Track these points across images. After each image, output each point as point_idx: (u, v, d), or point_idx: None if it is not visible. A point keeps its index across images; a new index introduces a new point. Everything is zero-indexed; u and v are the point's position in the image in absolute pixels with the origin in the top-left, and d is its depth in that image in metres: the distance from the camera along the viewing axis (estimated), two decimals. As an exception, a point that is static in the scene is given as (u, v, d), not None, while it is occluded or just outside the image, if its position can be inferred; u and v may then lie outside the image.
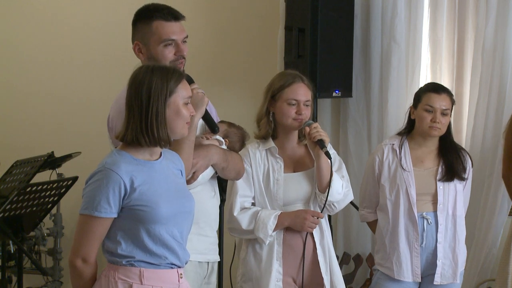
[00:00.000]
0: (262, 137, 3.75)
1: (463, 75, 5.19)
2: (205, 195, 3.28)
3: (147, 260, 2.72)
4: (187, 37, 3.23)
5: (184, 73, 2.87)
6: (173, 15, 3.20)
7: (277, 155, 3.73)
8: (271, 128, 3.74)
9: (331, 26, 5.11)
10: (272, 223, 3.63)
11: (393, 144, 4.18)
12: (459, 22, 5.18)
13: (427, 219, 4.08)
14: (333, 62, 5.13)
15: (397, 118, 5.17)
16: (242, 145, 3.54)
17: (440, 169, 4.12)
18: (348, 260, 5.32)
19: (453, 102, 4.14)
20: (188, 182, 3.11)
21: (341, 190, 3.72)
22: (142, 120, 2.70)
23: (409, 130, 4.20)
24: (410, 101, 5.15)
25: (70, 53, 6.33)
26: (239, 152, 3.56)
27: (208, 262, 3.33)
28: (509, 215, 4.98)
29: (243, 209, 3.67)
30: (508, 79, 4.91)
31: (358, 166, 5.36)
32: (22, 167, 5.28)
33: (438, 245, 4.07)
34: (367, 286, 5.27)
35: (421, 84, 5.19)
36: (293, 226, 3.67)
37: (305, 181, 3.72)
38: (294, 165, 3.76)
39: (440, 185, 4.10)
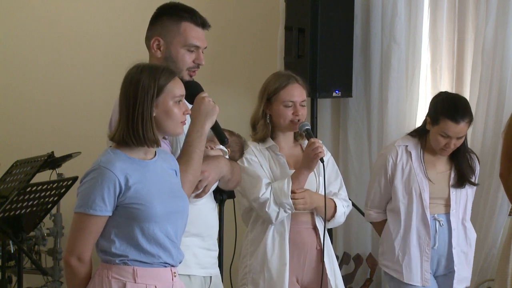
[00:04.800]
0: (260, 140, 3.75)
1: (463, 75, 5.19)
2: (208, 207, 3.21)
3: (141, 259, 2.72)
4: (206, 47, 3.16)
5: (174, 72, 2.82)
6: (202, 21, 3.12)
7: (278, 153, 3.74)
8: (268, 130, 3.75)
9: (331, 26, 5.11)
10: (287, 187, 3.63)
11: (407, 146, 4.12)
12: (459, 22, 5.18)
13: (439, 221, 4.07)
14: (333, 62, 5.13)
15: (397, 118, 5.18)
16: (242, 154, 3.51)
17: (452, 174, 4.11)
18: (348, 260, 5.32)
19: (471, 123, 4.03)
20: (199, 195, 3.07)
21: (343, 211, 3.79)
22: (129, 121, 2.70)
23: (423, 133, 4.14)
24: (410, 101, 5.18)
25: (70, 53, 6.33)
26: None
27: (210, 276, 3.24)
28: (509, 215, 4.98)
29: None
30: (508, 79, 4.91)
31: (358, 166, 5.36)
32: (22, 167, 5.28)
33: (453, 250, 4.08)
34: (367, 286, 5.27)
35: (421, 85, 5.20)
36: (310, 168, 3.67)
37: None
38: (294, 163, 3.76)
39: (453, 191, 4.08)
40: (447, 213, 4.09)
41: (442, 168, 4.12)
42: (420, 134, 4.13)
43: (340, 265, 5.17)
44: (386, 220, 4.22)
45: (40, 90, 6.41)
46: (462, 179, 4.09)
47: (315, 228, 3.75)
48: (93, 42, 6.26)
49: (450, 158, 4.12)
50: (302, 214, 3.73)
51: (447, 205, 4.10)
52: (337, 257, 5.05)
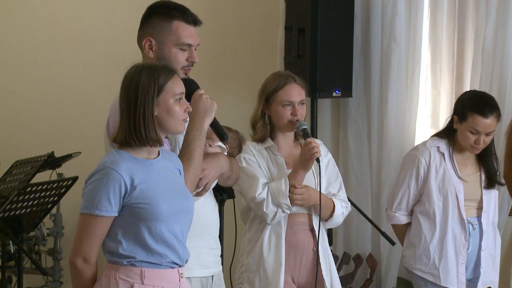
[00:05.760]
0: (259, 140, 3.75)
1: (463, 75, 5.19)
2: (208, 205, 3.20)
3: (148, 260, 2.72)
4: (198, 44, 3.15)
5: (173, 71, 2.81)
6: (194, 19, 3.11)
7: (277, 152, 3.74)
8: (267, 130, 3.76)
9: (331, 26, 5.10)
10: (284, 187, 3.63)
11: (439, 147, 4.09)
12: (459, 22, 5.18)
13: (472, 224, 4.06)
14: (333, 62, 5.13)
15: (397, 118, 5.17)
16: (240, 150, 3.51)
17: (483, 176, 4.10)
18: (348, 260, 5.31)
19: (499, 118, 4.03)
20: (200, 193, 3.06)
21: (341, 212, 3.79)
22: (131, 121, 2.70)
23: (450, 134, 4.12)
24: (410, 101, 5.18)
25: (70, 53, 6.33)
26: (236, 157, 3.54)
27: (212, 276, 3.23)
28: (509, 215, 4.98)
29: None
30: (508, 79, 4.91)
31: (358, 166, 5.36)
32: (22, 167, 5.28)
33: (481, 252, 4.08)
34: (367, 286, 5.27)
35: (421, 85, 5.20)
36: (306, 168, 3.66)
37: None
38: (293, 162, 3.76)
39: (485, 192, 4.09)
40: (479, 216, 4.09)
41: (472, 170, 4.11)
42: (447, 135, 4.11)
43: (340, 265, 5.17)
44: (410, 223, 4.19)
45: (40, 90, 6.41)
46: (491, 180, 4.09)
47: (312, 230, 3.76)
48: (93, 42, 6.26)
49: (478, 159, 4.11)
50: (299, 215, 3.74)
51: (479, 208, 4.10)
52: (337, 257, 5.06)
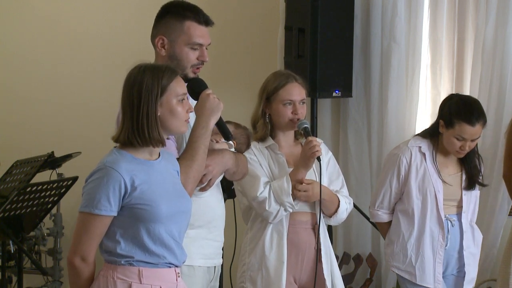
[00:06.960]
0: (260, 139, 3.76)
1: (463, 75, 5.19)
2: (214, 199, 3.25)
3: (146, 260, 2.72)
4: (209, 44, 3.22)
5: (176, 71, 2.84)
6: (206, 20, 3.19)
7: (278, 151, 3.74)
8: (268, 129, 3.76)
9: (331, 26, 5.11)
10: (287, 185, 3.63)
11: (420, 147, 4.10)
12: (459, 22, 5.19)
13: (451, 221, 4.07)
14: (333, 62, 5.13)
15: (397, 118, 5.18)
16: (248, 146, 3.53)
17: (463, 177, 4.11)
18: (348, 260, 5.32)
19: (485, 124, 4.02)
20: (204, 189, 3.10)
21: (346, 207, 3.78)
22: (134, 121, 2.71)
23: (434, 135, 4.12)
24: (410, 101, 5.18)
25: (70, 53, 6.33)
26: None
27: (214, 267, 3.29)
28: (509, 215, 4.98)
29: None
30: (508, 79, 4.92)
31: (358, 166, 5.36)
32: (22, 167, 5.28)
33: (464, 252, 4.09)
34: (367, 286, 5.27)
35: (421, 85, 5.20)
36: (307, 167, 3.66)
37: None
38: (294, 161, 3.76)
39: (465, 193, 4.09)
40: (458, 214, 4.10)
41: (453, 170, 4.11)
42: (431, 136, 4.12)
43: (340, 265, 5.17)
44: (391, 221, 4.21)
45: (40, 90, 6.41)
46: (472, 180, 4.09)
47: (314, 228, 3.76)
48: (93, 42, 6.26)
49: (460, 160, 4.12)
50: (301, 214, 3.74)
51: (459, 207, 4.10)
52: (337, 257, 5.06)
